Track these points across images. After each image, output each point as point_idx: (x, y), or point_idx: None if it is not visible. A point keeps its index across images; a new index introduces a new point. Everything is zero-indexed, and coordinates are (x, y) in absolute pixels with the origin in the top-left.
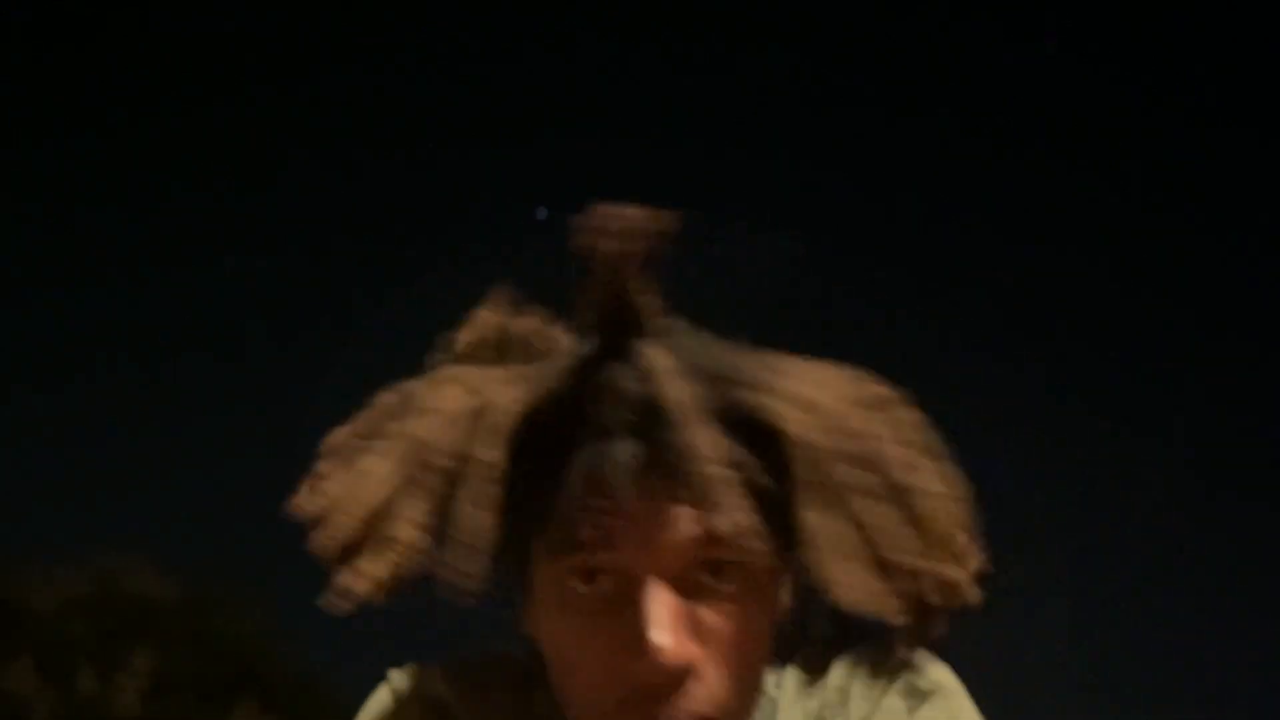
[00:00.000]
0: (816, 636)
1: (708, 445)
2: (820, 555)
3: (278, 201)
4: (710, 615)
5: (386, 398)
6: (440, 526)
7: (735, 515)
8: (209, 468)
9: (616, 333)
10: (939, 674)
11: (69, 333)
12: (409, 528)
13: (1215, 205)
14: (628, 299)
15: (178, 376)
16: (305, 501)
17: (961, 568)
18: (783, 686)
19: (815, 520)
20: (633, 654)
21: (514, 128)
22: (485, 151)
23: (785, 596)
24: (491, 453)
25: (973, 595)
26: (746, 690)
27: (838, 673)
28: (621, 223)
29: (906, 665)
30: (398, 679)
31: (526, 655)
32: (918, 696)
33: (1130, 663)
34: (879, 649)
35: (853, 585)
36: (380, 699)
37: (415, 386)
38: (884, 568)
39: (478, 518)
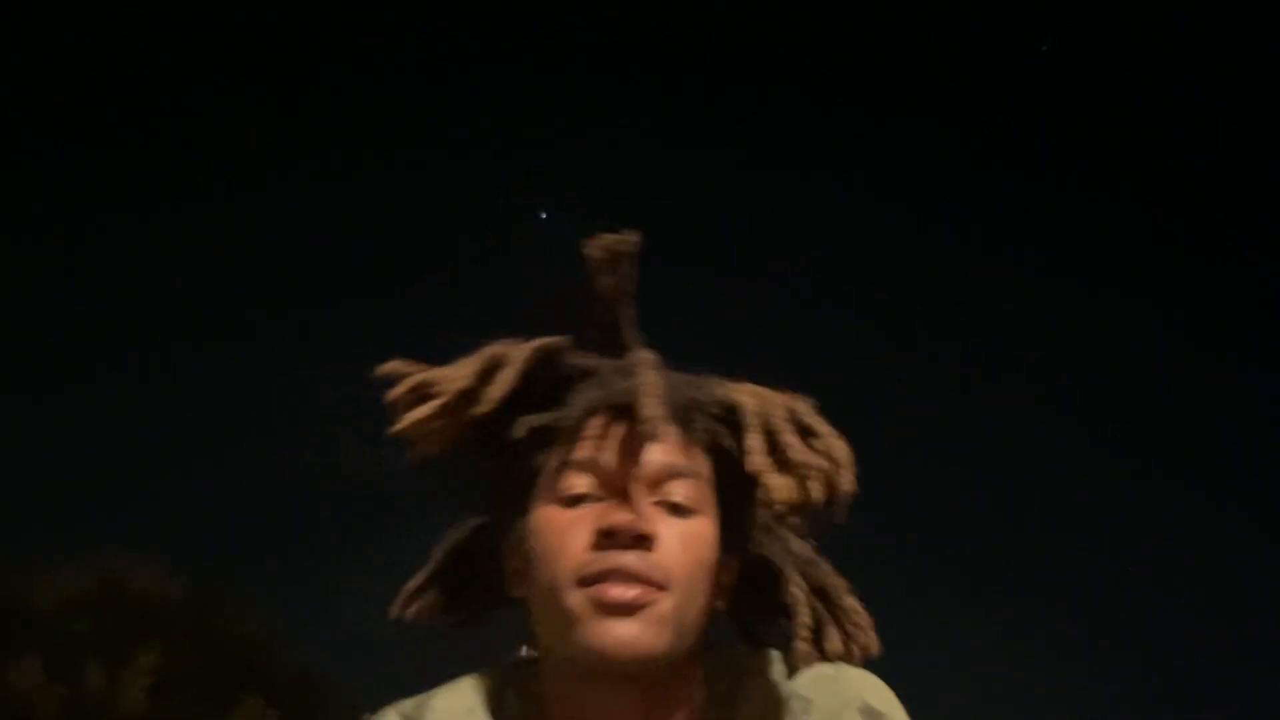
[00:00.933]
0: (753, 632)
1: (655, 393)
2: (753, 460)
3: (278, 202)
4: (667, 531)
5: None
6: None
7: (669, 444)
8: (211, 468)
9: (611, 339)
10: (888, 696)
11: (71, 333)
12: (456, 384)
13: (1215, 206)
14: (622, 315)
15: (180, 377)
16: (393, 366)
17: (843, 473)
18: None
19: (754, 442)
20: (608, 526)
21: (514, 128)
22: (485, 152)
23: (727, 575)
24: (524, 351)
25: (848, 486)
26: (688, 604)
27: (803, 680)
28: (616, 250)
29: (859, 682)
30: None
31: (497, 670)
32: (873, 716)
33: (1123, 665)
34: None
35: (775, 482)
36: None
37: None
38: (793, 468)
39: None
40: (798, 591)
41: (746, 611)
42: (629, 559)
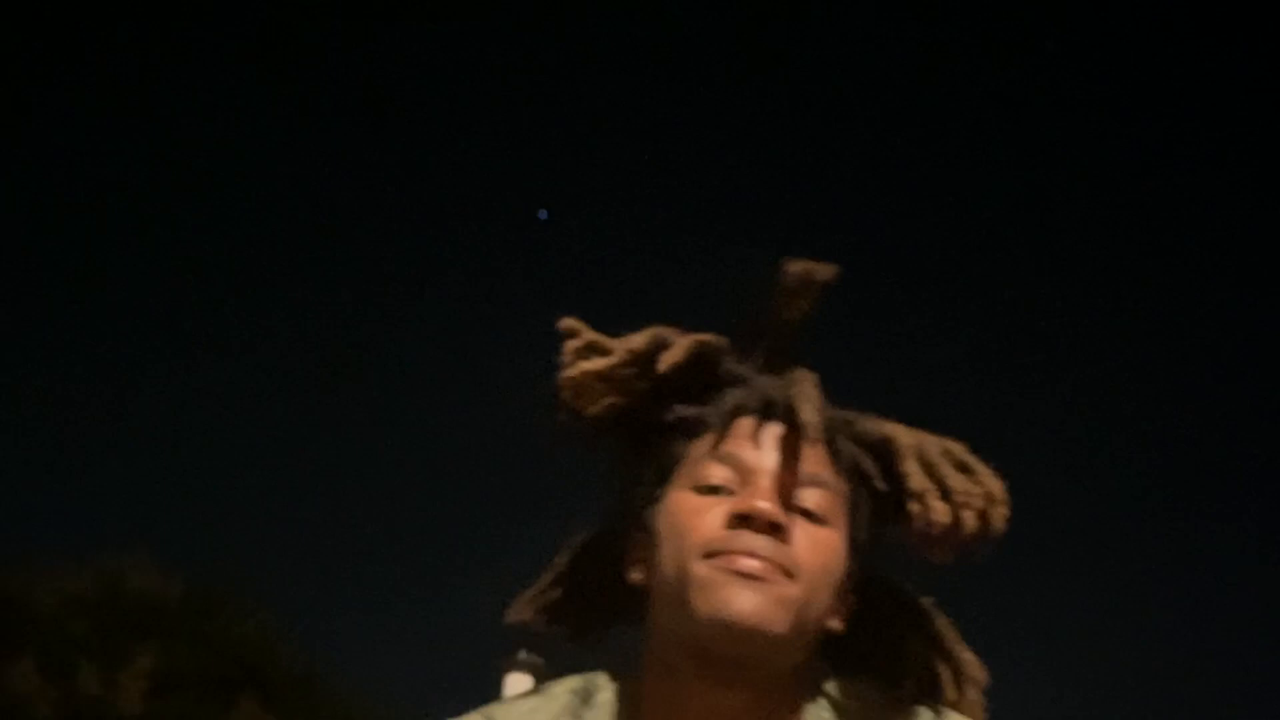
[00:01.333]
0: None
1: (814, 402)
2: (915, 480)
3: (279, 203)
4: (799, 531)
5: None
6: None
7: (817, 457)
8: (211, 468)
9: (781, 353)
10: None
11: (71, 334)
12: (627, 349)
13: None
14: (796, 338)
15: (181, 378)
16: (570, 322)
17: (998, 509)
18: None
19: (912, 466)
20: (744, 509)
21: (515, 130)
22: (486, 152)
23: (845, 601)
24: (694, 339)
25: (999, 523)
26: (811, 602)
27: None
28: (814, 279)
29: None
30: None
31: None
32: None
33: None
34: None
35: (935, 504)
36: None
37: None
38: (951, 495)
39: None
40: (915, 634)
41: (853, 648)
42: (761, 542)
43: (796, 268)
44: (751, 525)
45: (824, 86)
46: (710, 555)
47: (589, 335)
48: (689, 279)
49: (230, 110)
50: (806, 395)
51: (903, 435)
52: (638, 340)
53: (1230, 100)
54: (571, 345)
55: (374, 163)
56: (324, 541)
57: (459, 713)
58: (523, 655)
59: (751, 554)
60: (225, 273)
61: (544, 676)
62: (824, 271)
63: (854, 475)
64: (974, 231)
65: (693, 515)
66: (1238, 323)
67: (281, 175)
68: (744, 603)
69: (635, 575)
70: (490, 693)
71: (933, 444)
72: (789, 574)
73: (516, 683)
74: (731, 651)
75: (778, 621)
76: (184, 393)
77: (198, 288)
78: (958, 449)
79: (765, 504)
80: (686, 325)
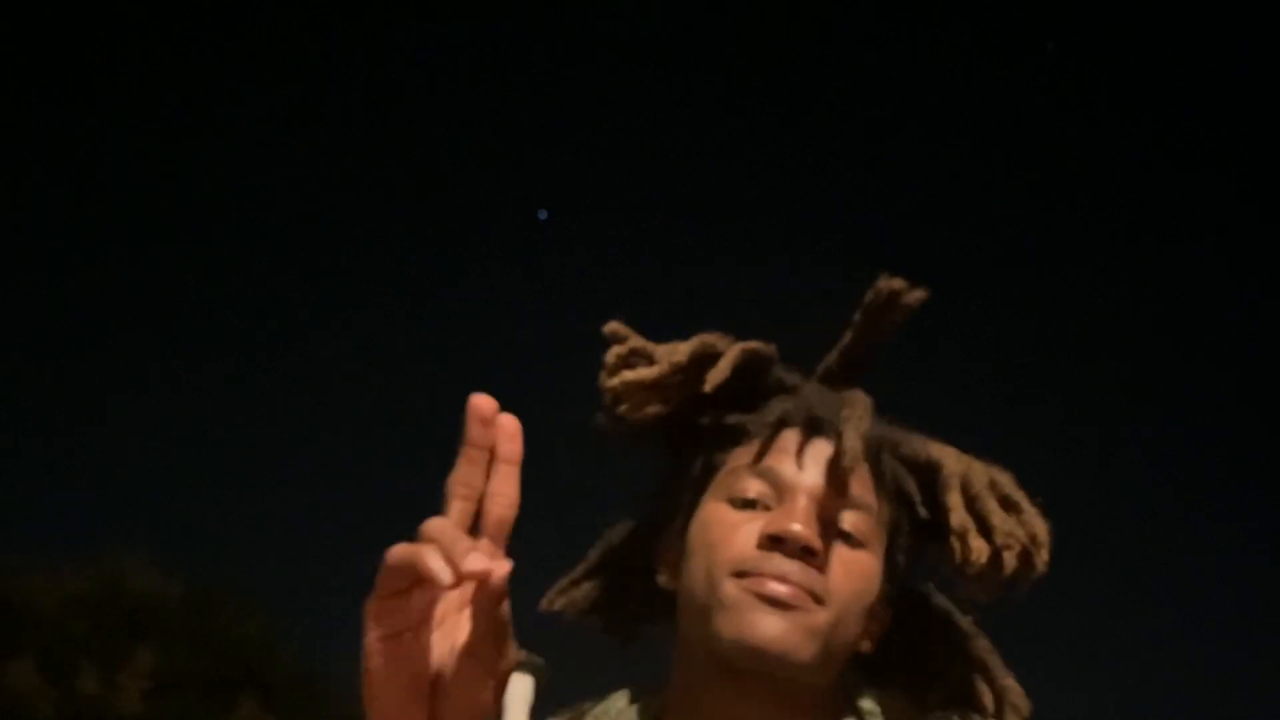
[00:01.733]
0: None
1: (861, 426)
2: (957, 517)
3: (279, 203)
4: (833, 554)
5: None
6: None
7: (859, 481)
8: (211, 469)
9: (845, 368)
10: None
11: (72, 334)
12: (673, 359)
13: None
14: (870, 356)
15: (181, 378)
16: (614, 327)
17: (1041, 552)
18: None
19: (955, 499)
20: (778, 531)
21: (515, 130)
22: (486, 152)
23: (878, 621)
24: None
25: (1042, 565)
26: (840, 628)
27: None
28: (904, 300)
29: None
30: None
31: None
32: None
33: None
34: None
35: (976, 544)
36: None
37: None
38: (993, 534)
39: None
40: (954, 655)
41: (887, 663)
42: (792, 566)
43: (890, 286)
44: (784, 548)
45: (825, 87)
46: (740, 575)
47: (634, 341)
48: (689, 279)
49: (230, 110)
50: (855, 420)
51: (950, 461)
52: (684, 350)
53: (1230, 100)
54: (616, 351)
55: (374, 163)
56: (324, 541)
57: None
58: (523, 655)
59: (782, 579)
60: (225, 273)
61: (544, 677)
62: (916, 296)
63: (896, 497)
64: (991, 235)
65: (726, 530)
66: (1237, 323)
67: (281, 175)
68: (769, 629)
69: (664, 579)
70: None
71: (980, 474)
72: (819, 600)
73: (516, 683)
74: (754, 670)
75: (803, 649)
76: (184, 393)
77: (198, 288)
78: (1005, 481)
79: (800, 527)
80: (686, 325)
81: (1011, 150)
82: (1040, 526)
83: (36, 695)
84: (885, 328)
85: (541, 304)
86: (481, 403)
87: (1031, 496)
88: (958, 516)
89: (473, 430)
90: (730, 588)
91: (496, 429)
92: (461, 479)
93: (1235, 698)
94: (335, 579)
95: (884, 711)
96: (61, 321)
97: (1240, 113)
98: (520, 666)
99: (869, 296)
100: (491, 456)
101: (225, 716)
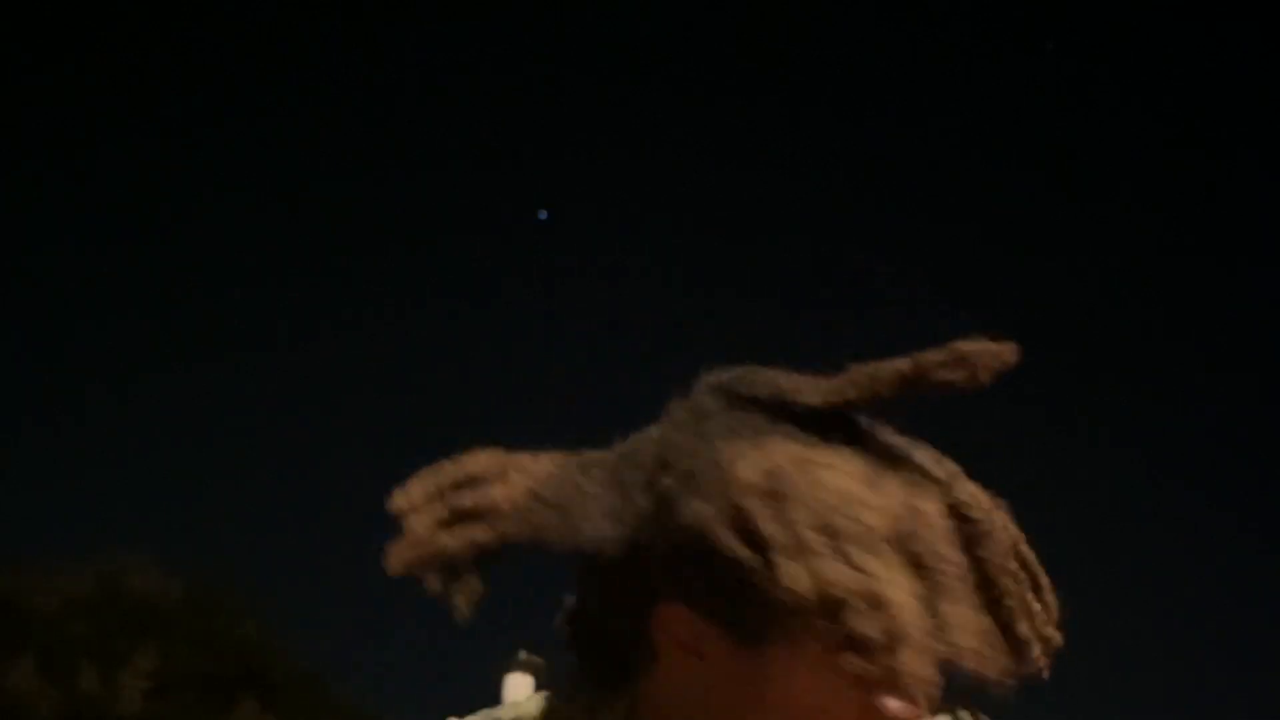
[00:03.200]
0: None
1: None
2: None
3: (279, 203)
4: None
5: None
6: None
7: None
8: (211, 469)
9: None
10: None
11: (72, 336)
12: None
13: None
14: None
15: (181, 379)
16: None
17: (1054, 636)
18: None
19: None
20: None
21: (515, 130)
22: (486, 152)
23: None
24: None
25: (1041, 665)
26: None
27: None
28: (998, 363)
29: None
30: None
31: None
32: None
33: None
34: None
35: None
36: None
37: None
38: (1022, 639)
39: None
40: None
41: None
42: None
43: (987, 349)
44: None
45: (825, 87)
46: None
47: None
48: (689, 279)
49: (230, 110)
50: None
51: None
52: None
53: (1230, 100)
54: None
55: (374, 163)
56: (324, 541)
57: (459, 714)
58: (523, 655)
59: None
60: (226, 273)
61: (544, 677)
62: (1009, 355)
63: None
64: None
65: (830, 703)
66: (1237, 323)
67: (281, 175)
68: None
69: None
70: (490, 693)
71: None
72: None
73: (516, 683)
74: None
75: None
76: (184, 393)
77: (198, 288)
78: (1028, 554)
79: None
80: (686, 325)
81: (1011, 150)
82: (1055, 635)
83: (36, 695)
84: (960, 383)
85: (541, 305)
86: None
87: (1030, 496)
88: None
89: None
90: None
91: None
92: None
93: (1235, 697)
94: (335, 579)
95: None
96: (62, 322)
97: (1240, 113)
98: (520, 666)
99: (955, 348)
100: None
101: (225, 716)
